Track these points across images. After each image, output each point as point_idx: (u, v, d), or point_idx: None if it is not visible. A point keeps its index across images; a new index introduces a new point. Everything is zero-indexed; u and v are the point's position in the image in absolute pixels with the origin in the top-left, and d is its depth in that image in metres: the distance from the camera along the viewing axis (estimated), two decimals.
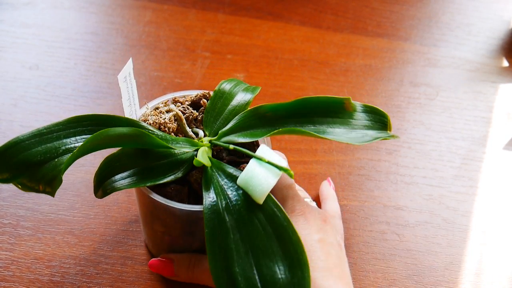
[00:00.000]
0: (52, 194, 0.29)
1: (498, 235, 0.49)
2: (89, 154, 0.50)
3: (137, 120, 0.35)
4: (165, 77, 0.62)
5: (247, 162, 0.34)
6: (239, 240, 0.30)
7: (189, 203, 0.33)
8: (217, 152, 0.37)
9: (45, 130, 0.30)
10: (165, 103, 0.39)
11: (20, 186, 0.29)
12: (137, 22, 0.69)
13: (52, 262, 0.42)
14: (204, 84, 0.61)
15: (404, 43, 0.72)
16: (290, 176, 0.31)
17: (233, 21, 0.71)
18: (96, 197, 0.33)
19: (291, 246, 0.30)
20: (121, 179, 0.32)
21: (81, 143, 0.29)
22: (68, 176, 0.49)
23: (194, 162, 0.33)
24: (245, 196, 0.31)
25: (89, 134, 0.31)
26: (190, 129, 0.37)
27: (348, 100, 0.36)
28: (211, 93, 0.39)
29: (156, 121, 0.36)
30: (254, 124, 0.36)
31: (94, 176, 0.32)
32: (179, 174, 0.33)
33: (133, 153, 0.33)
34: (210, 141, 0.36)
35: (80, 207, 0.47)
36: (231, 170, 0.33)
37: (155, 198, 0.33)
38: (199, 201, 0.32)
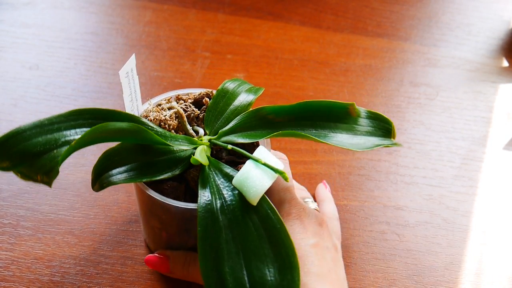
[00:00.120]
0: (49, 184, 0.29)
1: (498, 235, 0.49)
2: (89, 154, 0.51)
3: (138, 116, 0.35)
4: (165, 77, 0.62)
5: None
6: (231, 240, 0.30)
7: (185, 200, 0.33)
8: (217, 151, 0.37)
9: (46, 122, 0.30)
10: (168, 100, 0.39)
11: (19, 175, 0.29)
12: (137, 22, 0.69)
13: (52, 262, 0.42)
14: (204, 84, 0.61)
15: (404, 43, 0.72)
16: (285, 179, 0.31)
17: (233, 21, 0.71)
18: (93, 190, 0.33)
19: (283, 249, 0.30)
20: (118, 173, 0.33)
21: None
22: (68, 176, 0.49)
23: (191, 160, 0.33)
24: (240, 197, 0.31)
25: (89, 128, 0.31)
26: (191, 127, 0.37)
27: (352, 105, 0.36)
28: (214, 92, 0.39)
29: (157, 117, 0.36)
30: (255, 125, 0.36)
31: (93, 169, 0.32)
32: (176, 172, 0.33)
33: (132, 148, 0.33)
34: (209, 140, 0.36)
35: (80, 207, 0.47)
36: (228, 170, 0.33)
37: (151, 194, 0.33)
38: (196, 199, 0.32)
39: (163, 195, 0.33)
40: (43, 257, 0.43)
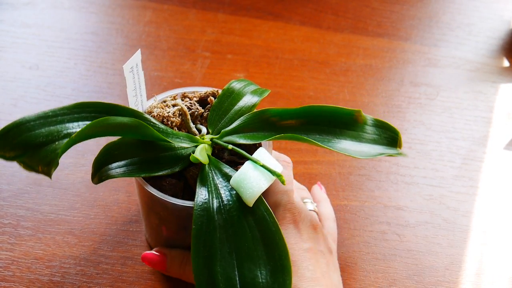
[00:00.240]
0: (49, 175, 0.29)
1: (498, 235, 0.49)
2: (90, 154, 0.51)
3: (142, 111, 0.35)
4: (165, 77, 0.61)
5: None
6: (225, 240, 0.30)
7: (183, 198, 0.33)
8: (218, 151, 0.37)
9: (50, 113, 0.30)
10: (174, 97, 0.39)
11: (22, 165, 0.29)
12: (137, 22, 0.69)
13: (52, 262, 0.42)
14: (204, 84, 0.61)
15: (405, 43, 0.72)
16: (282, 182, 0.31)
17: (233, 21, 0.71)
18: (93, 182, 0.33)
19: (276, 252, 0.30)
20: (118, 167, 0.33)
21: None
22: (68, 176, 0.49)
23: (191, 158, 0.33)
24: (238, 197, 0.31)
25: (91, 121, 0.32)
26: (194, 125, 0.37)
27: (359, 112, 0.35)
28: (220, 91, 0.39)
29: (160, 113, 0.36)
30: (258, 127, 0.36)
31: (93, 162, 0.32)
32: (176, 169, 0.34)
33: (134, 143, 0.33)
34: (211, 139, 0.36)
35: (80, 207, 0.47)
36: (227, 169, 0.33)
37: (148, 189, 0.33)
38: (194, 197, 0.33)
39: (162, 191, 0.33)
40: (43, 257, 0.43)
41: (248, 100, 0.38)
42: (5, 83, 0.58)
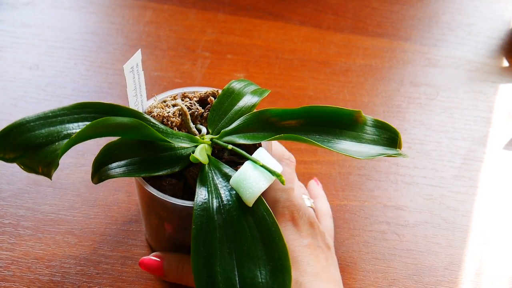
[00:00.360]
0: (49, 176, 0.29)
1: (498, 235, 0.49)
2: (89, 154, 0.51)
3: (141, 111, 0.35)
4: (165, 77, 0.62)
5: None
6: (225, 240, 0.30)
7: (183, 198, 0.34)
8: (218, 151, 0.37)
9: (50, 114, 0.30)
10: (174, 97, 0.39)
11: (22, 166, 0.29)
12: (137, 22, 0.69)
13: (52, 262, 0.42)
14: (204, 84, 0.61)
15: (405, 43, 0.72)
16: (282, 182, 0.31)
17: (233, 21, 0.71)
18: (93, 182, 0.33)
19: (276, 252, 0.30)
20: (118, 167, 0.33)
21: None
22: (68, 176, 0.49)
23: (191, 158, 0.33)
24: (237, 197, 0.31)
25: (91, 121, 0.32)
26: (194, 125, 0.37)
27: (359, 113, 0.35)
28: (220, 91, 0.39)
29: (160, 113, 0.36)
30: (258, 127, 0.36)
31: (93, 162, 0.32)
32: (176, 169, 0.34)
33: (134, 143, 0.33)
34: (211, 139, 0.36)
35: (80, 207, 0.47)
36: (227, 169, 0.33)
37: (148, 189, 0.33)
38: (193, 197, 0.33)
39: (161, 191, 0.33)
40: (43, 257, 0.43)
41: (248, 100, 0.38)
42: (5, 83, 0.58)
